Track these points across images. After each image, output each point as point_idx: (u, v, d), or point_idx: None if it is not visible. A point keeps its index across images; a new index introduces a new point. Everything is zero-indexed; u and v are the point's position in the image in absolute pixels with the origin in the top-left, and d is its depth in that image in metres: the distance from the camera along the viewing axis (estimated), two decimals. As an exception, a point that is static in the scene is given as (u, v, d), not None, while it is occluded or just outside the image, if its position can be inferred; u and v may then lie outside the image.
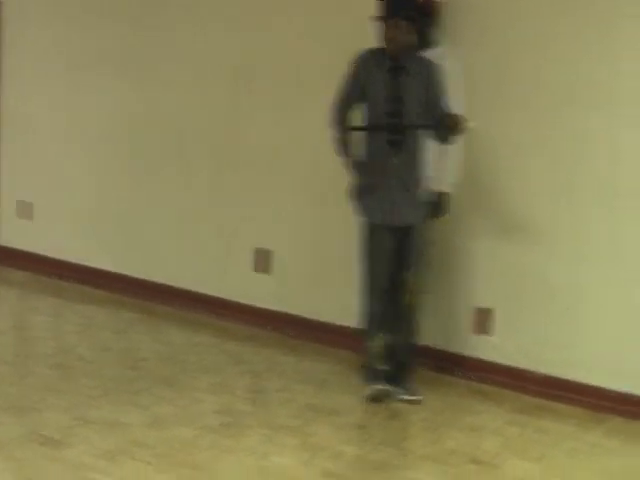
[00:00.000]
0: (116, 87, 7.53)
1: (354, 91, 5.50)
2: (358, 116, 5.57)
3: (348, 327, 6.26)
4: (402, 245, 5.54)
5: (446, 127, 5.33)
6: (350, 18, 6.30)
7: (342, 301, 6.38)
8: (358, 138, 5.55)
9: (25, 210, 8.10)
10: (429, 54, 5.62)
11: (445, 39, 5.90)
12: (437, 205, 5.77)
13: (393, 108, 5.42)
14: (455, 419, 5.45)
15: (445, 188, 5.79)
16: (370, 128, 5.49)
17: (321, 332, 6.56)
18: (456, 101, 5.53)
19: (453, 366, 6.16)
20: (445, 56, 5.71)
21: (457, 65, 5.72)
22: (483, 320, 6.10)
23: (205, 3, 7.04)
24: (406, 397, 5.63)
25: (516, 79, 5.90)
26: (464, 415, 5.54)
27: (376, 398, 5.59)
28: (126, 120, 7.52)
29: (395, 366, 5.71)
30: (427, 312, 6.03)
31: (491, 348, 6.07)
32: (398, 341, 5.68)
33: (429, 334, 6.13)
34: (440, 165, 5.76)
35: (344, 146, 5.53)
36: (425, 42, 5.69)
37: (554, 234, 5.85)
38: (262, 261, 6.92)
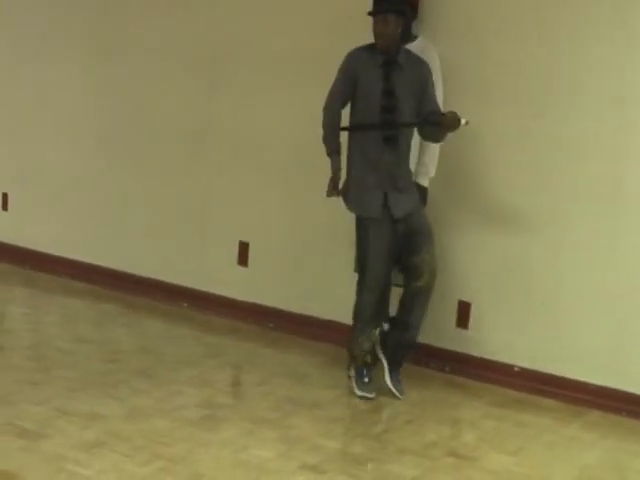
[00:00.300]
0: (91, 73, 7.55)
1: (347, 89, 5.46)
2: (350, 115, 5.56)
3: (329, 320, 6.28)
4: (405, 233, 5.51)
5: (442, 125, 5.31)
6: (328, 9, 6.32)
7: (322, 293, 6.40)
8: (350, 135, 5.54)
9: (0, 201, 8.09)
10: (409, 47, 5.62)
11: (423, 31, 5.91)
12: None
13: (387, 102, 5.41)
14: (434, 412, 5.45)
15: (423, 181, 5.82)
16: (365, 128, 5.46)
17: (301, 325, 6.56)
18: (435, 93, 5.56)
19: (432, 359, 6.17)
20: (424, 48, 5.73)
21: (436, 58, 5.75)
22: (463, 313, 6.11)
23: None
24: (392, 387, 5.63)
25: (499, 71, 5.91)
26: (443, 408, 5.55)
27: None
28: (104, 108, 7.53)
29: (395, 355, 5.70)
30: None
31: (469, 341, 6.08)
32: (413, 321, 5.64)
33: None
34: (419, 159, 5.79)
35: (335, 145, 5.48)
36: (405, 35, 5.67)
37: (533, 228, 5.87)
38: (242, 253, 6.92)
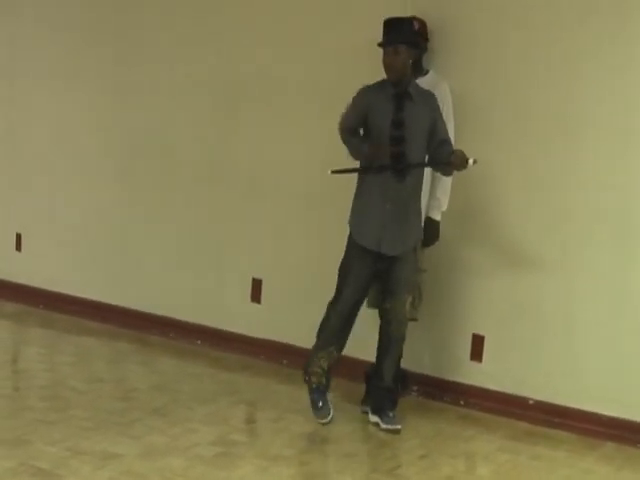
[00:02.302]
0: (105, 111, 7.60)
1: (357, 121, 5.48)
2: None
3: (343, 356, 6.26)
4: (387, 274, 5.55)
5: (450, 165, 5.33)
6: (340, 42, 6.37)
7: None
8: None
9: (14, 241, 8.13)
10: (420, 81, 5.69)
11: (434, 66, 5.95)
12: (428, 232, 5.81)
13: (396, 133, 5.41)
14: (448, 446, 5.44)
15: (435, 215, 5.84)
16: (374, 170, 5.45)
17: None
18: (448, 128, 5.60)
19: (446, 393, 6.17)
20: (436, 83, 5.79)
21: (447, 91, 5.80)
22: (477, 347, 6.11)
23: (199, 24, 7.09)
24: (386, 426, 5.60)
25: (508, 107, 5.95)
26: (457, 442, 5.54)
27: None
28: (119, 147, 7.56)
29: (378, 394, 5.71)
30: (418, 339, 6.08)
31: (484, 374, 6.08)
32: (384, 368, 5.68)
33: (420, 361, 6.17)
34: (432, 193, 5.82)
35: (361, 144, 5.49)
36: (417, 68, 5.76)
37: (545, 261, 5.87)
38: (255, 290, 6.94)
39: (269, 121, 6.79)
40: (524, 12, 5.86)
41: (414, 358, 6.19)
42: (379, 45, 5.44)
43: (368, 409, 5.74)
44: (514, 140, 5.93)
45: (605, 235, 5.71)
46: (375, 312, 5.83)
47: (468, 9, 6.04)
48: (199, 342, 7.10)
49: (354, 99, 5.50)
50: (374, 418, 5.66)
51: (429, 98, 5.49)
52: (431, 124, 5.42)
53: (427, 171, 5.64)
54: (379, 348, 5.71)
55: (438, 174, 5.70)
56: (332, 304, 5.64)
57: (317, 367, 5.66)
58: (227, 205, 7.04)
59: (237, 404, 5.95)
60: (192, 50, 7.13)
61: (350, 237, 5.57)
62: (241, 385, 6.33)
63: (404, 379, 6.15)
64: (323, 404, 5.64)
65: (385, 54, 5.42)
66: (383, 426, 5.59)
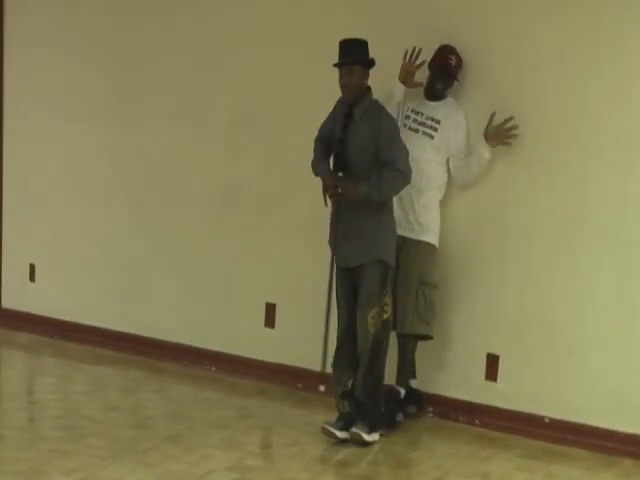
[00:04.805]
0: (110, 139, 7.63)
1: (325, 135, 5.69)
2: None
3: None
4: (355, 286, 5.65)
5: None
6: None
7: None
8: None
9: (27, 272, 8.16)
10: (438, 104, 5.96)
11: (453, 92, 6.04)
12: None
13: (339, 150, 5.58)
14: (464, 466, 5.43)
15: (431, 239, 5.99)
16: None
17: (330, 384, 6.55)
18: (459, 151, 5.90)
19: (461, 413, 6.16)
20: (453, 108, 5.99)
21: (463, 119, 6.00)
22: (491, 366, 6.10)
23: (203, 49, 7.14)
24: (365, 437, 5.61)
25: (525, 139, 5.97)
26: (473, 462, 5.52)
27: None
28: (129, 176, 7.58)
29: (352, 406, 5.73)
30: (432, 359, 6.08)
31: (498, 394, 6.06)
32: (356, 382, 5.68)
33: (435, 382, 6.17)
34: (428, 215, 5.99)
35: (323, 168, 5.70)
36: (438, 94, 5.98)
37: (555, 277, 5.87)
38: (269, 315, 6.94)
39: (275, 144, 6.83)
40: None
41: (429, 379, 6.20)
42: (335, 65, 5.53)
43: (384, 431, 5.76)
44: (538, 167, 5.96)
45: (617, 246, 5.70)
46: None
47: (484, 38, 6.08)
48: (213, 368, 7.11)
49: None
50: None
51: (377, 118, 5.54)
52: (375, 142, 5.50)
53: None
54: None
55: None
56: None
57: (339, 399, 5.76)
58: (239, 230, 7.05)
59: (252, 429, 5.94)
60: (197, 79, 7.17)
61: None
62: (256, 410, 6.32)
63: (419, 400, 6.16)
64: (339, 428, 5.67)
65: (340, 74, 5.53)
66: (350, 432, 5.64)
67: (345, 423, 5.67)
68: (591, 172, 5.77)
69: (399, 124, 5.85)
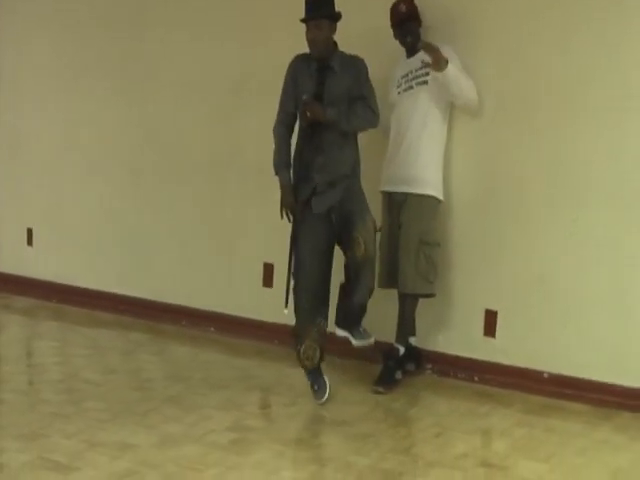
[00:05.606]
0: (115, 108, 7.62)
1: (290, 103, 5.55)
2: None
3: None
4: (340, 218, 5.50)
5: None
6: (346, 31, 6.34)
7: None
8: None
9: (25, 236, 8.15)
10: (418, 57, 5.83)
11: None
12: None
13: None
14: (464, 423, 5.44)
15: (435, 192, 5.96)
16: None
17: (329, 343, 6.52)
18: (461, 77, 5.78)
19: (460, 369, 6.18)
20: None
21: (452, 51, 5.81)
22: (490, 322, 6.10)
23: (203, 19, 7.13)
24: (358, 342, 5.64)
25: (515, 86, 5.97)
26: (473, 418, 5.54)
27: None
28: (129, 142, 7.58)
29: (349, 320, 5.68)
30: (431, 317, 6.08)
31: (497, 350, 6.07)
32: (358, 289, 5.56)
33: (434, 339, 6.18)
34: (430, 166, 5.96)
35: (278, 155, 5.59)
36: (414, 45, 5.88)
37: (556, 234, 5.88)
38: (267, 275, 6.94)
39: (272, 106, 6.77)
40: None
41: (427, 336, 6.21)
42: (301, 21, 5.43)
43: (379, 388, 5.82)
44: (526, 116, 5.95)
45: (616, 204, 5.70)
46: (388, 292, 5.86)
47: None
48: (212, 329, 7.13)
49: (285, 76, 5.56)
50: (342, 332, 5.68)
51: (353, 64, 5.47)
52: (357, 88, 5.42)
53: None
54: (349, 276, 5.61)
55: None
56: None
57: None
58: (236, 192, 7.05)
59: (251, 389, 5.96)
60: (198, 48, 7.17)
61: None
62: (255, 370, 6.35)
63: (418, 357, 6.17)
64: (318, 387, 5.70)
65: (307, 29, 5.43)
66: (355, 343, 5.64)
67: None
68: (587, 129, 5.75)
69: (395, 97, 5.92)
